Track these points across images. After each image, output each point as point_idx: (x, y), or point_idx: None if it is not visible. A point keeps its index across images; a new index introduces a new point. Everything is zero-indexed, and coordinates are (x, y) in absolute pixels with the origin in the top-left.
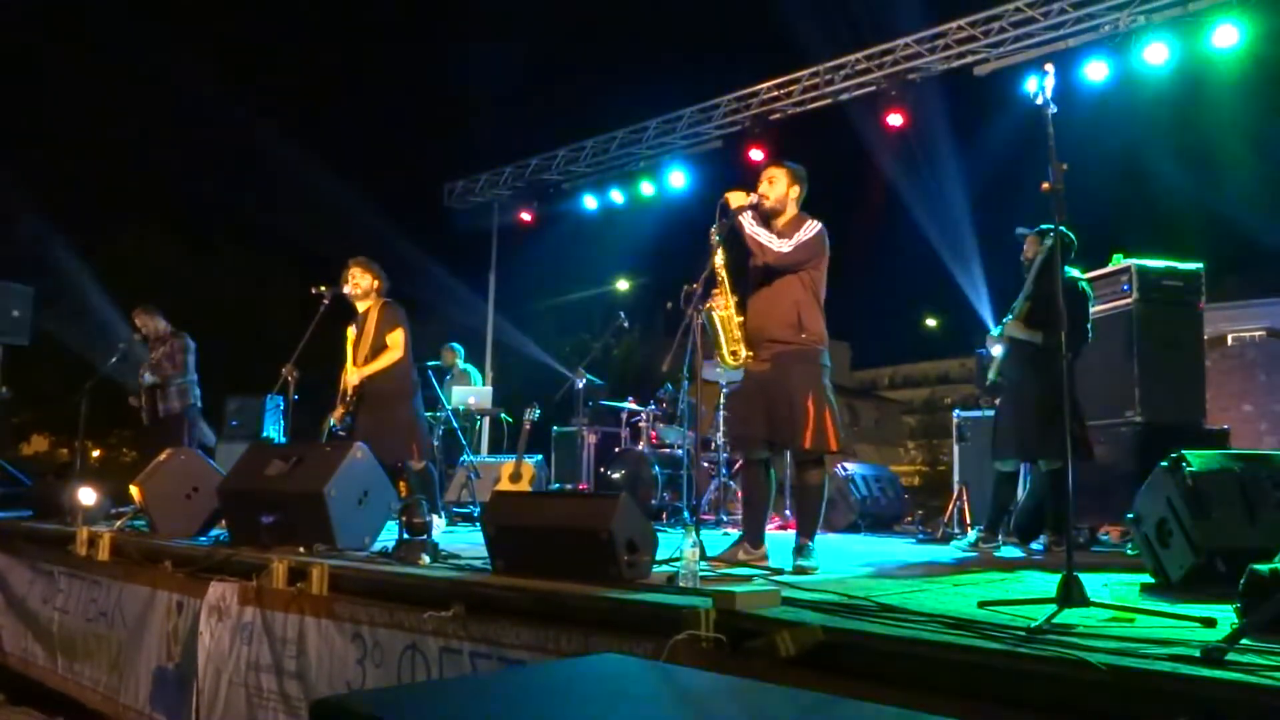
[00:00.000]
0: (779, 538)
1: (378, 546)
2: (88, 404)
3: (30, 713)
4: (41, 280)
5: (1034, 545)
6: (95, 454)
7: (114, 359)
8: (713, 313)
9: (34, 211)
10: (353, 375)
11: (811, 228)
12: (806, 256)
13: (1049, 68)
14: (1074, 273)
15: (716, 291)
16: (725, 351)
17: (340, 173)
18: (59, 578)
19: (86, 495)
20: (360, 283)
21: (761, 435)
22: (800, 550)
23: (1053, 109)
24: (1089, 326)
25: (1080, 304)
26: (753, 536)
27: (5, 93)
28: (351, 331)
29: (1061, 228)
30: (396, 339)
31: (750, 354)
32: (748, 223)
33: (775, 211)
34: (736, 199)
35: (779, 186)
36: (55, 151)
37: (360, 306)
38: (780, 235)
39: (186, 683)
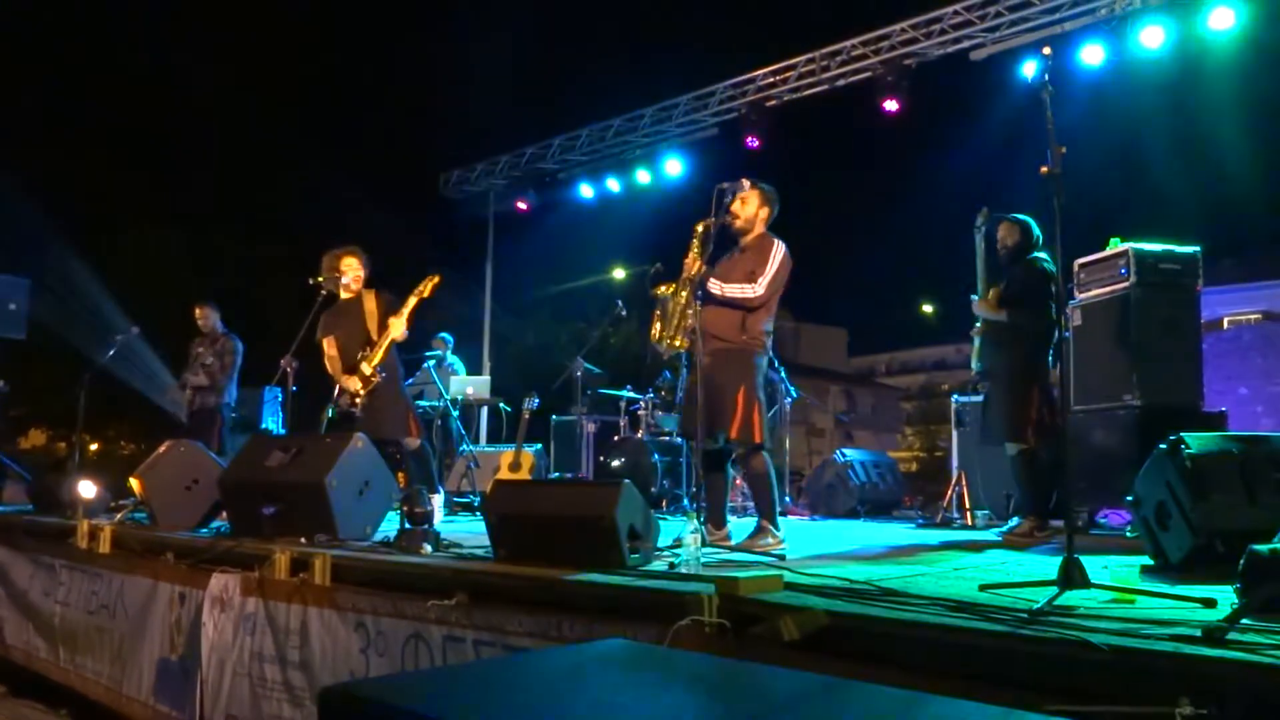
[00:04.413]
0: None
1: (379, 536)
2: (85, 397)
3: (33, 705)
4: (39, 272)
5: (1004, 526)
6: (93, 447)
7: (110, 352)
8: (669, 299)
9: (33, 204)
10: (366, 365)
11: (776, 256)
12: (777, 287)
13: (1047, 50)
14: (1042, 255)
15: (679, 282)
16: (663, 333)
17: (335, 163)
18: (60, 571)
19: (86, 488)
20: (358, 272)
21: (701, 426)
22: (760, 531)
23: (1051, 91)
24: (1054, 305)
25: (1049, 282)
26: (715, 518)
27: (4, 87)
28: (328, 320)
29: (1028, 219)
30: (399, 324)
31: (680, 344)
32: (716, 287)
33: (743, 230)
34: (695, 270)
35: (750, 206)
36: (54, 144)
37: (347, 295)
38: (745, 250)
39: (190, 674)
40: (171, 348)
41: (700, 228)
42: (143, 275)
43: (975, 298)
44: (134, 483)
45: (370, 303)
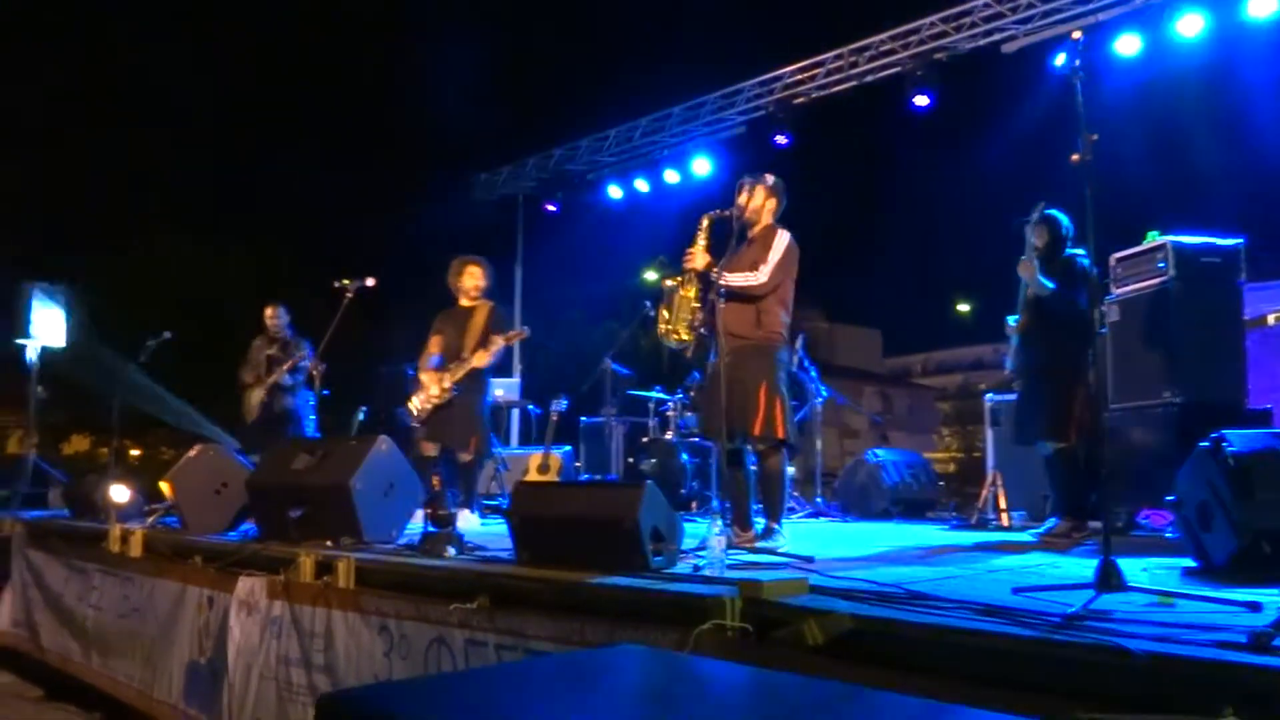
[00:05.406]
0: (809, 526)
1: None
2: (121, 403)
3: (68, 709)
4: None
5: (1040, 528)
6: (135, 453)
7: (141, 358)
8: (676, 291)
9: (57, 213)
10: (448, 377)
11: (780, 245)
12: (783, 276)
13: (1078, 35)
14: (1078, 251)
15: (685, 275)
16: (669, 328)
17: (366, 168)
18: (93, 575)
19: (119, 493)
20: (478, 283)
21: (721, 424)
22: (767, 533)
23: (1082, 77)
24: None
25: (1087, 278)
26: (741, 520)
27: (23, 96)
28: (441, 320)
29: (1055, 214)
30: (497, 341)
31: (685, 336)
32: (720, 279)
33: (750, 222)
34: (702, 262)
35: (756, 199)
36: (78, 153)
37: (466, 303)
38: (751, 242)
39: (218, 677)
40: (198, 352)
41: (705, 221)
42: (166, 281)
43: (1023, 258)
44: (164, 486)
45: (480, 315)
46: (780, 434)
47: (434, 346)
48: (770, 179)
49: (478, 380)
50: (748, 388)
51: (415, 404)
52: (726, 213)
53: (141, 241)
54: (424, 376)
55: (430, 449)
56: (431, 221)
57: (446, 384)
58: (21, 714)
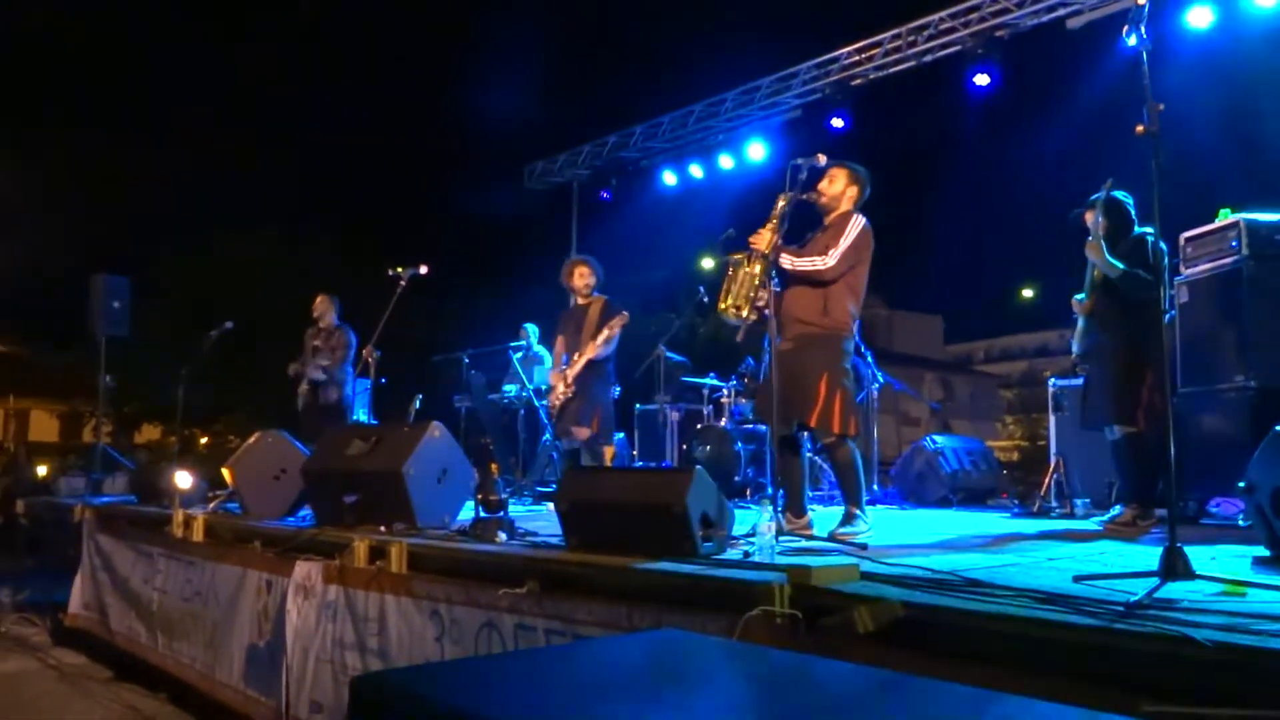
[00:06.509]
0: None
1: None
2: (186, 392)
3: (135, 689)
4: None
5: (1105, 515)
6: (203, 441)
7: (205, 348)
8: (740, 266)
9: (133, 203)
10: (570, 372)
11: (854, 229)
12: (853, 260)
13: (1142, 2)
14: (1147, 230)
15: (752, 256)
16: (731, 303)
17: (421, 158)
18: (158, 559)
19: (183, 479)
20: (588, 280)
21: (779, 412)
22: (849, 518)
23: (1148, 47)
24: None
25: (1158, 258)
26: (794, 507)
27: (106, 92)
28: (563, 320)
29: (1119, 195)
30: (604, 331)
31: (747, 314)
32: (787, 260)
33: (828, 208)
34: (765, 242)
35: (837, 185)
36: (149, 145)
37: (581, 301)
38: (826, 228)
39: (277, 660)
40: (263, 342)
41: (781, 202)
42: (234, 272)
43: (1090, 239)
44: (225, 473)
45: (594, 310)
46: (837, 428)
47: (559, 347)
48: (850, 165)
49: (595, 369)
50: (808, 377)
51: (550, 402)
52: (804, 196)
53: (207, 234)
54: (552, 377)
55: (564, 440)
56: (486, 211)
57: (569, 379)
58: (92, 694)
